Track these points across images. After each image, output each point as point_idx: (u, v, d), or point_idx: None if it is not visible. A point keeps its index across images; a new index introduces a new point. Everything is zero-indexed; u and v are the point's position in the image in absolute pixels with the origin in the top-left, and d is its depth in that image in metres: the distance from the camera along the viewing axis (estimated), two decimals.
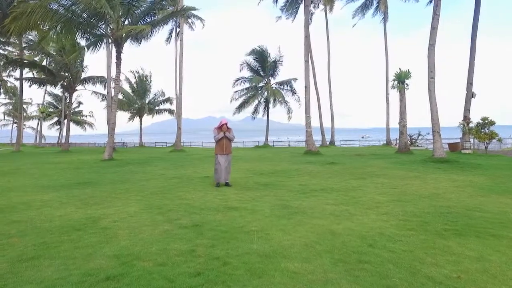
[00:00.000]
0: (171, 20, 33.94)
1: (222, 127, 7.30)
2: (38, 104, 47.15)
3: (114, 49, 17.14)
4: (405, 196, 5.58)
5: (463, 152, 15.11)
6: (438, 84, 11.77)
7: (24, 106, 54.87)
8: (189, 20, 35.57)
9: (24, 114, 54.14)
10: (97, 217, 4.45)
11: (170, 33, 36.41)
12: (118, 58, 16.20)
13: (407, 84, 16.18)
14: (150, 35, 17.76)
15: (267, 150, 23.02)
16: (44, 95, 45.84)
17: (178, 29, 34.24)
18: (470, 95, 15.50)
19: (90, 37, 16.85)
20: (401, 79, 16.12)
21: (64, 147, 25.50)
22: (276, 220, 4.14)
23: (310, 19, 27.50)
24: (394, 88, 16.36)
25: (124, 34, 15.87)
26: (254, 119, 33.49)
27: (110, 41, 16.56)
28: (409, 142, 21.06)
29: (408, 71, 16.12)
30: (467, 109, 15.56)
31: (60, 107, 43.14)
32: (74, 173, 10.61)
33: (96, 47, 17.34)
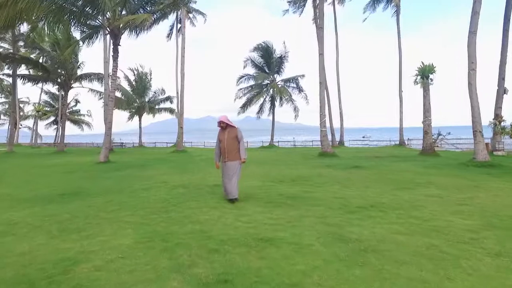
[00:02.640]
0: (172, 14, 32.69)
1: (221, 125, 5.62)
2: (35, 103, 45.79)
3: (111, 42, 15.72)
4: (494, 218, 4.16)
5: (495, 154, 13.72)
6: (464, 79, 10.38)
7: (21, 105, 53.60)
8: (190, 15, 34.17)
9: (21, 113, 52.96)
10: (73, 258, 3.04)
11: (171, 29, 35.02)
12: (115, 51, 14.79)
13: (432, 79, 14.76)
14: (149, 27, 16.36)
15: (275, 151, 21.61)
16: (41, 94, 44.49)
17: (179, 25, 32.93)
18: (502, 91, 14.10)
19: (85, 29, 15.45)
20: (425, 73, 14.69)
21: (59, 147, 24.10)
22: (342, 267, 2.72)
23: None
24: (417, 83, 14.93)
25: (121, 25, 14.46)
26: (259, 118, 32.11)
27: (106, 32, 15.13)
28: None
29: (432, 64, 14.70)
30: (498, 107, 14.18)
31: (57, 106, 41.74)
32: (62, 179, 9.20)
33: (91, 40, 15.96)
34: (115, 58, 14.79)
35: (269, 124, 31.36)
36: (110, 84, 14.76)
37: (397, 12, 25.85)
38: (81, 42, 17.04)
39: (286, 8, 26.23)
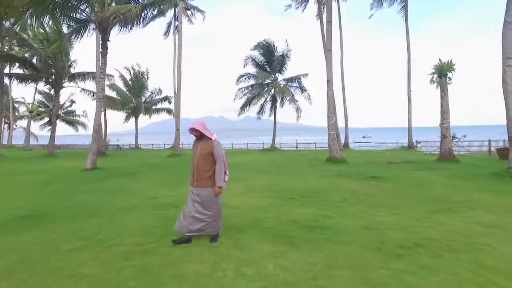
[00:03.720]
0: (169, 11, 31.45)
1: (194, 134, 3.97)
2: (29, 103, 44.47)
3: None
4: None
5: None
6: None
7: (16, 105, 52.34)
8: (189, 12, 32.91)
9: (16, 113, 51.64)
10: None
11: (169, 26, 33.80)
12: (104, 47, 13.52)
13: (450, 78, 13.51)
14: (142, 21, 15.08)
15: (278, 155, 20.33)
16: (35, 94, 43.14)
17: (177, 22, 31.69)
18: None
19: (71, 22, 14.18)
20: (443, 71, 13.44)
21: (49, 150, 22.79)
22: None
23: (323, 9, 24.81)
24: (433, 82, 13.68)
25: (111, 17, 13.19)
26: (260, 119, 30.85)
27: (94, 27, 13.84)
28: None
29: (451, 61, 13.45)
30: None
31: (51, 106, 40.40)
32: (34, 193, 7.92)
33: (79, 36, 14.68)
34: (104, 55, 13.52)
35: (270, 123, 30.12)
36: (97, 83, 13.50)
37: (405, 8, 24.60)
38: (69, 38, 15.69)
39: (288, 3, 24.96)
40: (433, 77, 13.81)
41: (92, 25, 13.97)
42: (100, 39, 13.68)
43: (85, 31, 14.60)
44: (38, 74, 22.13)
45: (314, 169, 11.81)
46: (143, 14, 14.59)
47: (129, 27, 14.86)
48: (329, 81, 13.74)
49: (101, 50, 13.50)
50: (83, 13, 13.18)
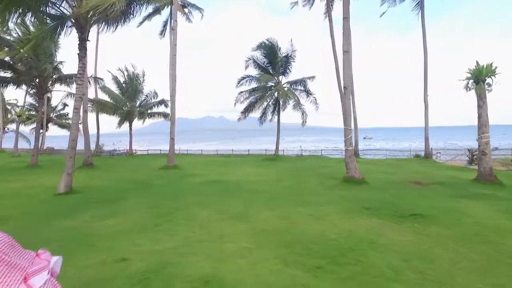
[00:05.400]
0: (165, 8, 29.40)
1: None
2: (20, 106, 42.50)
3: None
4: None
5: None
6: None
7: (8, 106, 50.32)
8: (186, 10, 30.88)
9: (9, 115, 49.60)
10: None
11: (165, 25, 31.78)
12: (82, 48, 11.51)
13: (489, 84, 11.47)
14: (130, 18, 13.05)
15: (283, 167, 18.24)
16: (25, 96, 41.23)
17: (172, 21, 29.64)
18: None
19: (46, 19, 12.16)
20: (481, 76, 11.41)
21: (32, 161, 20.76)
22: None
23: (332, 5, 22.80)
24: (469, 89, 11.64)
25: (90, 14, 11.16)
26: (262, 124, 28.85)
27: (70, 24, 11.81)
28: (469, 157, 16.41)
29: (491, 65, 11.41)
30: None
31: (42, 110, 38.39)
32: None
33: (56, 34, 12.63)
34: (82, 57, 11.50)
35: (273, 123, 28.16)
36: (75, 89, 11.48)
37: (421, 5, 22.55)
38: (46, 37, 13.63)
39: (294, 0, 22.92)
40: (468, 83, 11.78)
41: (68, 23, 11.93)
42: (78, 39, 11.63)
43: (62, 29, 12.56)
44: (19, 78, 20.11)
45: (332, 194, 9.77)
46: (130, 10, 12.58)
47: (114, 25, 12.84)
48: (347, 88, 11.67)
49: (78, 52, 11.46)
50: (54, 7, 11.14)
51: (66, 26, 12.45)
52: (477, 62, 11.56)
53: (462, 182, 11.44)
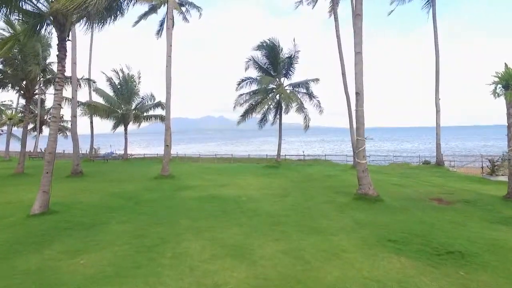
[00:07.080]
0: (162, 7, 28.07)
1: None
2: (11, 109, 41.14)
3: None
4: None
5: None
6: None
7: (3, 108, 49.03)
8: (183, 9, 29.59)
9: (4, 116, 48.31)
10: None
11: (161, 25, 30.47)
12: (61, 49, 10.19)
13: None
14: (117, 16, 11.74)
15: (286, 179, 16.85)
16: (18, 98, 40.05)
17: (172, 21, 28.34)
18: None
19: (21, 16, 10.87)
20: (511, 82, 10.12)
21: (17, 169, 19.46)
22: None
23: (337, 3, 21.51)
24: (498, 95, 10.35)
25: (69, 10, 9.83)
26: (262, 128, 27.57)
27: (48, 22, 10.49)
28: (489, 168, 15.12)
29: None
30: None
31: (36, 112, 37.09)
32: None
33: (35, 33, 11.32)
34: (61, 58, 10.19)
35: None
36: (54, 95, 10.18)
37: (432, 4, 21.24)
38: (25, 36, 12.31)
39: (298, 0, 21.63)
40: (495, 88, 10.49)
41: (47, 20, 10.62)
42: (57, 39, 10.32)
43: (41, 27, 11.25)
44: (3, 80, 18.81)
45: (345, 217, 8.46)
46: (116, 7, 11.28)
47: (100, 24, 11.54)
48: (359, 94, 10.35)
49: (57, 52, 10.15)
50: (29, 3, 9.83)
51: (47, 24, 11.15)
52: (505, 65, 10.27)
53: (490, 200, 10.14)
